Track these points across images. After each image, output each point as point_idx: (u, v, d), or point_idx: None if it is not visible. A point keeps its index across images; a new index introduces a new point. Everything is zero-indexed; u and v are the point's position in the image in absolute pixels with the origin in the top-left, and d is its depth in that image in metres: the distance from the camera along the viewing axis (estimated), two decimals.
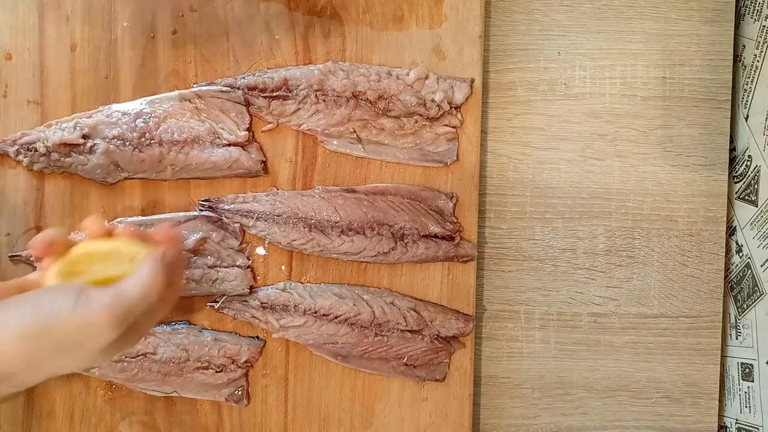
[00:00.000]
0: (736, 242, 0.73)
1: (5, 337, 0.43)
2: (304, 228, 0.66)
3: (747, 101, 0.71)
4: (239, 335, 0.68)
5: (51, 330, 0.43)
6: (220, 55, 0.67)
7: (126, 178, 0.67)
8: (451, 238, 0.67)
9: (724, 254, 0.72)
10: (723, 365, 0.74)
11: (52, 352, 0.43)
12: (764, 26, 0.68)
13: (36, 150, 0.65)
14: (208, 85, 0.66)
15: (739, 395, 0.72)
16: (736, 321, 0.73)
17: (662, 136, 0.72)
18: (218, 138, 0.65)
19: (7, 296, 0.44)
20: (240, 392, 0.68)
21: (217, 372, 0.67)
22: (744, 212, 0.72)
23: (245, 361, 0.67)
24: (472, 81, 0.68)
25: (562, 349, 0.72)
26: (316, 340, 0.67)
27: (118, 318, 0.43)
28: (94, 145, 0.65)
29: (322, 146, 0.68)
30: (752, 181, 0.70)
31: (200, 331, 0.67)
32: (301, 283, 0.68)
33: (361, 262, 0.68)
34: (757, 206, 0.70)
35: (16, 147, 0.65)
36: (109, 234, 0.50)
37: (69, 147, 0.65)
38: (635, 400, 0.73)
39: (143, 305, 0.44)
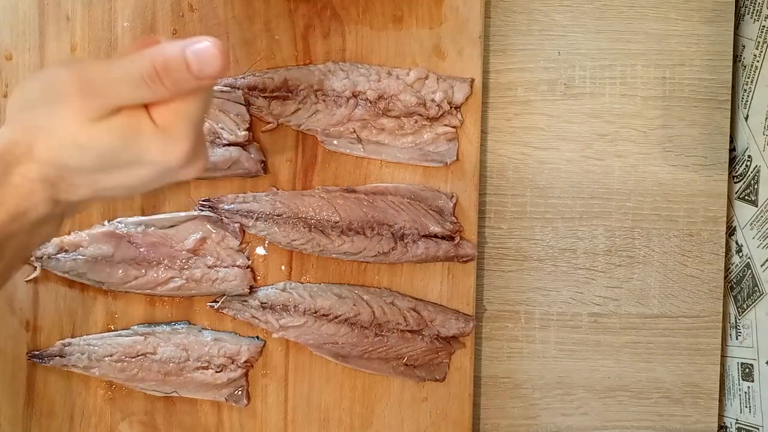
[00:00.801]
0: (736, 242, 0.73)
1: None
2: (304, 228, 0.66)
3: (747, 101, 0.71)
4: (239, 335, 0.68)
5: (38, 85, 0.42)
6: None
7: None
8: (451, 238, 0.67)
9: (724, 254, 0.72)
10: (723, 365, 0.74)
11: (41, 105, 0.41)
12: (764, 26, 0.68)
13: None
14: None
15: (739, 395, 0.72)
16: (736, 321, 0.73)
17: (662, 136, 0.72)
18: (218, 138, 0.65)
19: None
20: (240, 392, 0.68)
21: (217, 372, 0.67)
22: (744, 212, 0.72)
23: (245, 361, 0.67)
24: (472, 81, 0.68)
25: (563, 349, 0.72)
26: (316, 340, 0.67)
27: (86, 81, 0.40)
28: None
29: (322, 146, 0.68)
30: (752, 181, 0.71)
31: (200, 331, 0.67)
32: (301, 283, 0.68)
33: (361, 262, 0.68)
34: (757, 206, 0.70)
35: None
36: None
37: None
38: (635, 400, 0.73)
39: (121, 85, 0.40)
